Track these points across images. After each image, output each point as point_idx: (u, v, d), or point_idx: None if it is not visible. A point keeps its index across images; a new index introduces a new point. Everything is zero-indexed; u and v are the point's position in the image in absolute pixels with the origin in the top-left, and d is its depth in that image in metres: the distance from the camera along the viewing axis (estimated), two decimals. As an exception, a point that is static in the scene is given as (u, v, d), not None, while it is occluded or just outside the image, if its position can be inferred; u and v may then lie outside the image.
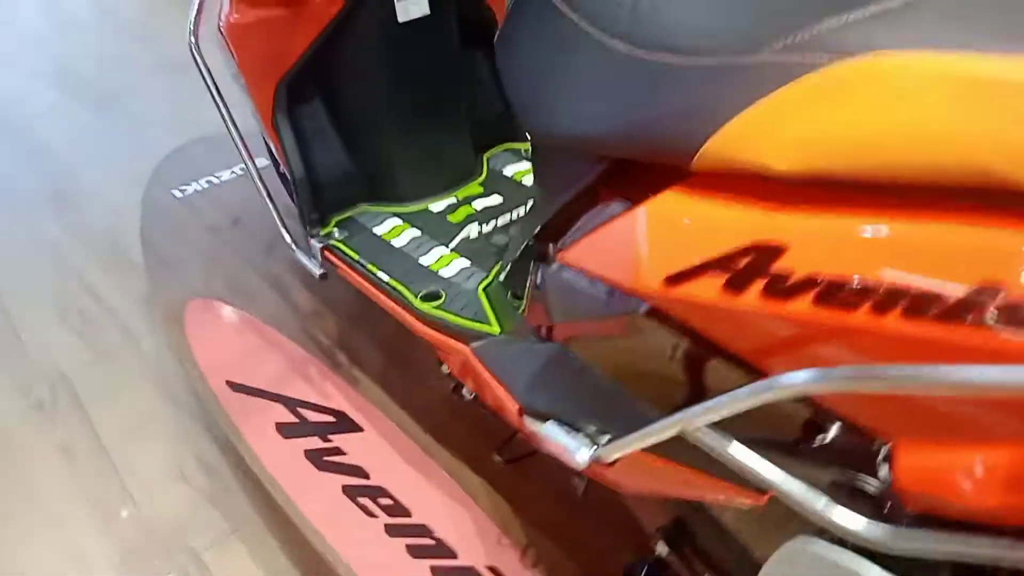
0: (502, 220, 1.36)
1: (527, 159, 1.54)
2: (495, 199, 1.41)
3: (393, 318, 1.28)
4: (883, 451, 0.64)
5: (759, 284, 0.63)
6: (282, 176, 1.80)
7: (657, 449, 0.78)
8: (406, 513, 1.33)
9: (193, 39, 1.31)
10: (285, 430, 1.47)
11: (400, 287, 1.22)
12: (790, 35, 0.63)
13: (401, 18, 1.30)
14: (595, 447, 0.85)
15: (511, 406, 0.98)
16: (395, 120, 1.38)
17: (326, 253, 1.34)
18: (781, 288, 0.62)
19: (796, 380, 0.59)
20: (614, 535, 1.30)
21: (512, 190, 1.44)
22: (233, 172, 2.12)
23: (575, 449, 0.87)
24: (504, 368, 1.02)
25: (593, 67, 0.81)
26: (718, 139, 0.65)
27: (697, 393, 0.77)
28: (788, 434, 0.72)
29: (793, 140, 0.60)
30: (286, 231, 1.40)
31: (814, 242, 0.61)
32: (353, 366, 1.61)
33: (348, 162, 1.39)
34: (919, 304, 0.55)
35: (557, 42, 0.86)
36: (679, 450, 0.77)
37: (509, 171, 1.50)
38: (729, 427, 0.69)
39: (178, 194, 2.04)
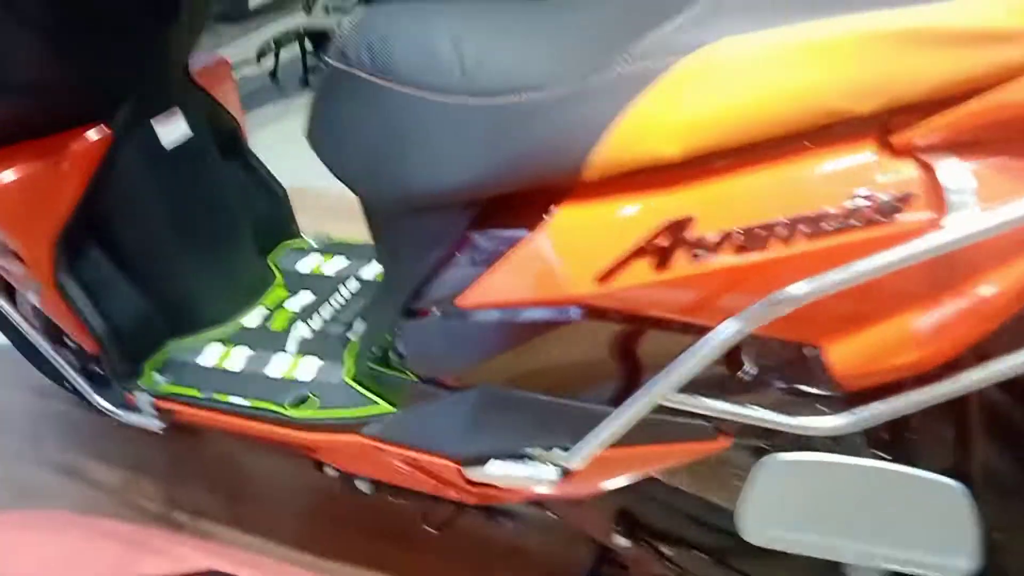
0: (325, 312, 1.35)
1: (311, 251, 1.54)
2: (307, 296, 1.41)
3: (255, 441, 1.23)
4: (813, 358, 0.77)
5: (683, 254, 0.74)
6: (27, 349, 1.63)
7: (618, 442, 0.86)
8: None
9: None
10: (155, 611, 1.32)
11: (265, 405, 1.17)
12: (625, 52, 0.75)
13: (166, 144, 1.26)
14: (559, 462, 0.90)
15: (445, 465, 1.00)
16: (181, 247, 1.33)
17: (159, 403, 1.24)
18: (702, 251, 0.73)
19: (754, 312, 0.70)
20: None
21: (318, 283, 1.44)
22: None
23: (538, 473, 0.91)
24: (419, 435, 1.03)
25: (440, 125, 0.87)
26: (603, 148, 0.75)
27: (637, 374, 0.86)
28: (727, 384, 0.83)
29: (674, 128, 0.72)
30: (97, 397, 1.28)
31: (714, 206, 0.73)
32: (198, 519, 1.48)
33: (144, 303, 1.30)
34: (813, 225, 0.69)
35: (387, 114, 0.92)
36: (632, 434, 0.85)
37: (303, 267, 1.49)
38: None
39: None
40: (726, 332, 0.73)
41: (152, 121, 1.24)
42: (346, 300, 1.38)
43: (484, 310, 0.91)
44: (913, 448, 0.88)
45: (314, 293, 1.41)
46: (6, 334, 1.65)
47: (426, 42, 0.89)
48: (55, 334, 1.46)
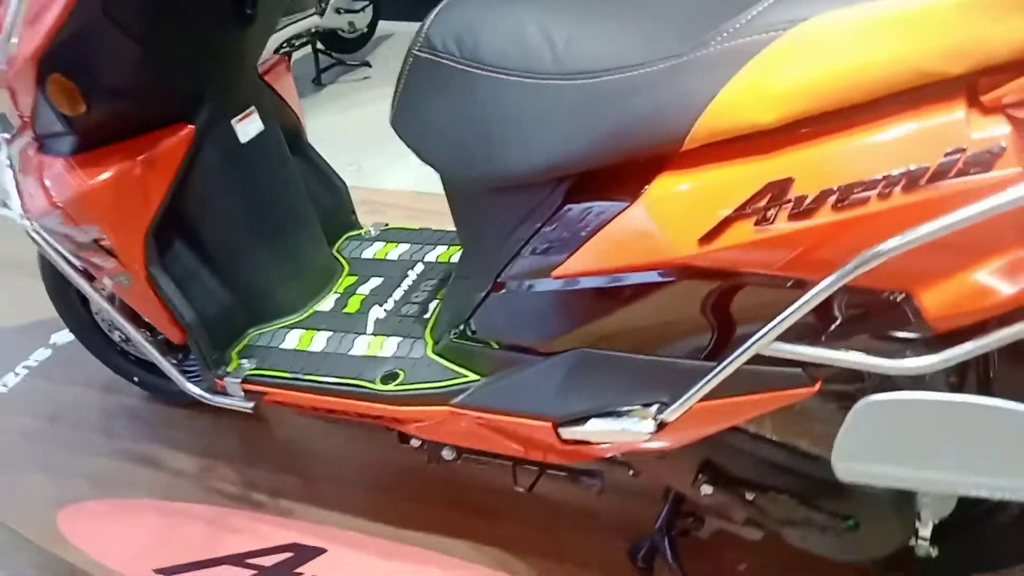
0: (397, 295, 1.42)
1: (374, 239, 1.60)
2: (376, 281, 1.47)
3: (341, 419, 1.29)
4: (905, 303, 0.83)
5: (784, 212, 0.80)
6: (95, 345, 1.69)
7: (711, 394, 0.93)
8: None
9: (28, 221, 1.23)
10: (248, 585, 1.38)
11: (354, 381, 1.23)
12: (721, 31, 0.82)
13: (242, 139, 1.32)
14: (656, 414, 0.96)
15: (540, 426, 1.06)
16: (259, 239, 1.39)
17: (246, 386, 1.30)
18: (802, 210, 0.79)
19: (854, 266, 0.76)
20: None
21: (385, 268, 1.50)
22: (26, 368, 1.91)
23: (635, 426, 0.98)
24: (512, 399, 1.09)
25: (534, 106, 0.94)
26: (704, 118, 0.82)
27: (731, 329, 0.92)
28: (821, 332, 0.89)
29: (773, 97, 0.79)
30: (188, 384, 1.34)
31: (812, 167, 0.79)
32: (276, 498, 1.54)
33: (226, 294, 1.36)
34: (909, 180, 0.75)
35: (477, 99, 0.98)
36: (727, 385, 0.92)
37: (368, 255, 1.55)
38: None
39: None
40: (828, 285, 0.79)
41: (232, 120, 1.30)
42: (415, 282, 1.45)
43: (583, 278, 0.98)
44: (989, 384, 0.95)
45: (383, 278, 1.47)
46: (75, 332, 1.71)
47: (514, 28, 0.96)
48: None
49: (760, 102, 0.79)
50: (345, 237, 1.61)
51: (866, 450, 0.89)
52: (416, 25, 1.04)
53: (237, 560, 1.43)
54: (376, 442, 1.63)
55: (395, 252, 1.55)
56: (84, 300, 1.66)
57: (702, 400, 0.94)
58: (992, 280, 0.78)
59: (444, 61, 1.01)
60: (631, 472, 1.23)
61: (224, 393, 1.33)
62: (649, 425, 0.98)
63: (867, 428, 0.88)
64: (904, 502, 1.03)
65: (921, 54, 0.74)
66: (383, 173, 2.74)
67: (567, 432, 1.05)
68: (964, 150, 0.74)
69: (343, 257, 1.56)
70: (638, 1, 0.97)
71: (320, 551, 1.43)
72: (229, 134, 1.30)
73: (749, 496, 1.09)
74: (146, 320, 1.37)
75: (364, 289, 1.46)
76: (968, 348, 0.81)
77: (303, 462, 1.63)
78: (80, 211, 1.21)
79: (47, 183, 1.24)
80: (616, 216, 0.91)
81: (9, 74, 1.14)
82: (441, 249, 1.53)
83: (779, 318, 0.83)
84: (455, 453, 1.30)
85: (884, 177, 0.77)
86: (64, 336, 2.00)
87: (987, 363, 0.95)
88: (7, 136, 1.32)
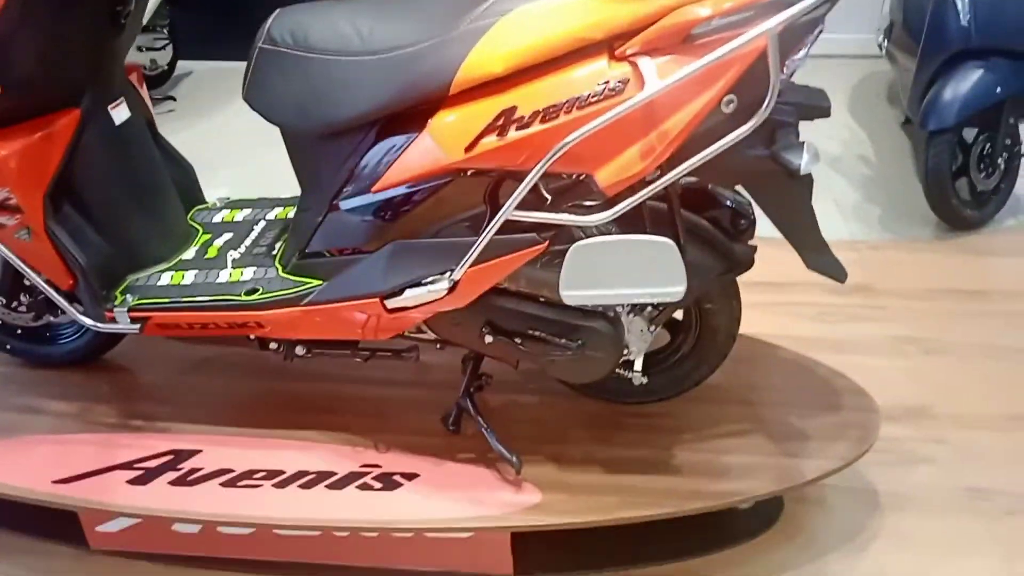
0: (247, 242, 1.82)
1: (220, 209, 1.99)
2: (228, 235, 1.86)
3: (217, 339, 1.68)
4: (588, 181, 1.37)
5: (513, 127, 1.32)
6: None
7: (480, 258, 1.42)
8: (280, 472, 1.72)
9: None
10: (139, 481, 1.71)
11: (224, 297, 1.63)
12: (468, 16, 1.34)
13: (116, 122, 1.69)
14: (449, 277, 1.45)
15: (371, 303, 1.51)
16: (132, 203, 1.75)
17: (132, 314, 1.66)
18: (523, 124, 1.32)
19: (555, 153, 1.29)
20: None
21: (234, 227, 1.89)
22: None
23: (436, 288, 1.46)
24: (349, 288, 1.54)
25: (351, 74, 1.41)
26: (462, 72, 1.33)
27: (493, 210, 1.42)
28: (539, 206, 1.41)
29: (500, 57, 1.31)
30: (81, 316, 1.67)
31: (527, 98, 1.32)
32: (153, 422, 1.87)
33: (106, 247, 1.71)
34: (580, 102, 1.30)
35: (309, 74, 1.45)
36: (488, 251, 1.42)
37: (217, 219, 1.94)
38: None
39: None
40: (540, 167, 1.31)
41: (108, 106, 1.67)
42: (260, 233, 1.85)
43: (393, 189, 1.45)
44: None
45: (233, 233, 1.87)
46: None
47: (332, 24, 1.44)
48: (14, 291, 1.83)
49: (492, 60, 1.32)
50: (196, 209, 1.99)
51: (578, 280, 1.42)
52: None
53: (126, 466, 1.75)
54: (232, 374, 2.01)
55: (240, 215, 1.94)
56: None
57: (474, 264, 1.43)
58: (633, 159, 1.33)
59: (283, 50, 1.47)
60: (438, 345, 1.71)
61: (113, 322, 1.67)
62: (444, 285, 1.46)
63: (577, 265, 1.41)
64: (612, 331, 1.56)
65: (578, 27, 1.29)
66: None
67: (391, 303, 1.51)
68: (608, 82, 1.30)
69: (197, 223, 1.93)
70: (413, 3, 1.47)
71: (196, 452, 1.79)
72: (106, 117, 1.67)
73: (517, 340, 1.60)
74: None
75: (219, 242, 1.85)
76: (626, 202, 1.36)
77: (172, 395, 1.97)
78: (-9, 178, 1.54)
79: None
80: (412, 143, 1.40)
81: None
82: (278, 210, 1.94)
83: (516, 193, 1.34)
84: (306, 349, 1.72)
85: (567, 100, 1.31)
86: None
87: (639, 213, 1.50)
88: None
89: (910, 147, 3.65)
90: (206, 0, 4.70)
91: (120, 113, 1.71)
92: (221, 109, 4.25)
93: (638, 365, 1.67)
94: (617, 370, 1.69)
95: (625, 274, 1.41)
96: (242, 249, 1.80)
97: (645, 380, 1.70)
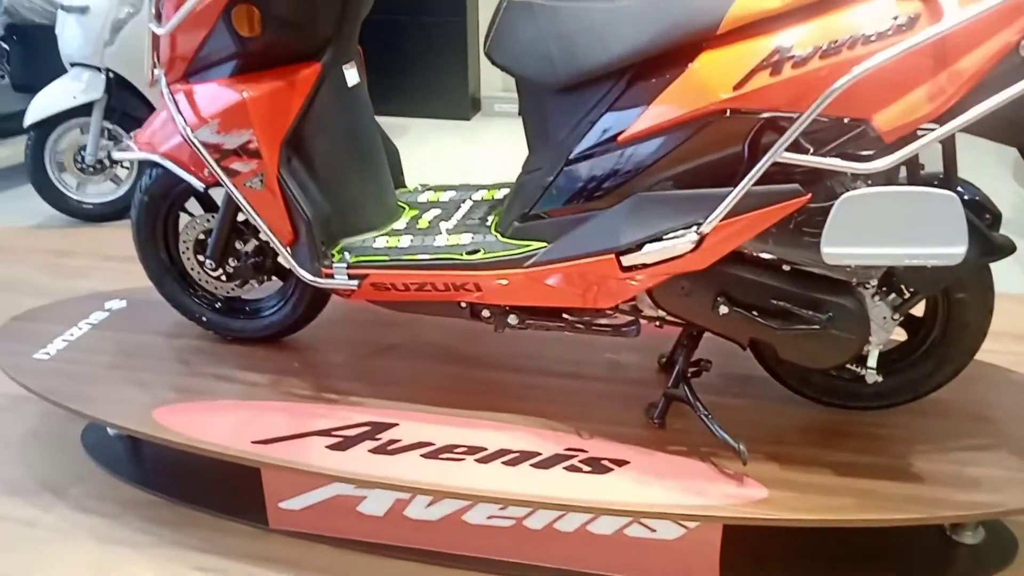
0: (458, 216, 1.79)
1: (420, 192, 1.98)
2: (436, 211, 1.84)
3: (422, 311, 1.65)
4: (864, 128, 1.29)
5: (788, 64, 1.26)
6: (170, 290, 1.98)
7: (732, 211, 1.34)
8: (482, 449, 1.64)
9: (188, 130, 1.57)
10: (338, 448, 1.66)
11: (445, 256, 1.59)
12: None
13: (350, 83, 1.71)
14: (695, 228, 1.37)
15: (605, 260, 1.44)
16: (354, 165, 1.76)
17: (351, 271, 1.64)
18: (800, 60, 1.26)
19: (834, 91, 1.21)
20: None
21: (440, 205, 1.87)
22: (88, 324, 2.13)
23: (680, 241, 1.38)
24: (581, 245, 1.48)
25: (610, 19, 1.38)
26: (734, 9, 1.28)
27: (752, 159, 1.34)
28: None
29: (779, -7, 1.26)
30: (301, 269, 1.66)
31: (805, 34, 1.26)
32: (347, 396, 1.83)
33: (326, 205, 1.71)
34: (868, 38, 1.22)
35: (562, 23, 1.43)
36: (742, 204, 1.34)
37: (423, 199, 1.93)
38: None
39: (44, 356, 2.00)
40: (815, 107, 1.24)
41: (343, 67, 1.70)
42: (469, 209, 1.83)
43: (642, 139, 1.40)
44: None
45: (441, 209, 1.85)
46: (153, 276, 1.98)
47: None
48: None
49: (767, -3, 1.26)
50: (398, 190, 1.99)
51: (844, 236, 1.32)
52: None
53: (324, 432, 1.70)
54: (420, 360, 1.96)
55: (445, 196, 1.93)
56: (167, 244, 1.96)
57: (727, 217, 1.35)
58: (919, 102, 1.24)
59: (534, 1, 1.45)
60: (658, 324, 1.62)
61: (331, 278, 1.65)
62: (691, 239, 1.38)
63: (845, 218, 1.31)
64: (860, 309, 1.44)
65: None
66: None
67: (627, 259, 1.44)
68: (897, 17, 1.23)
69: (401, 202, 1.93)
70: None
71: (393, 425, 1.73)
72: (341, 76, 1.69)
73: (755, 313, 1.49)
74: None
75: (428, 216, 1.83)
76: (907, 149, 1.26)
77: (361, 374, 1.93)
78: (236, 118, 1.57)
79: (200, 103, 1.59)
80: (669, 86, 1.35)
81: (192, 16, 1.52)
82: (483, 192, 1.92)
83: (789, 132, 1.27)
84: (519, 319, 1.65)
85: (851, 36, 1.24)
86: (118, 304, 2.25)
87: (916, 163, 1.39)
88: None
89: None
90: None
91: (352, 75, 1.73)
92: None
93: (873, 360, 1.54)
94: (849, 366, 1.56)
95: (899, 231, 1.30)
96: (454, 221, 1.77)
97: (880, 379, 1.56)
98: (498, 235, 1.64)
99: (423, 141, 4.42)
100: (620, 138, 1.41)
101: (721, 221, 1.36)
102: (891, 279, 1.47)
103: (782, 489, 1.51)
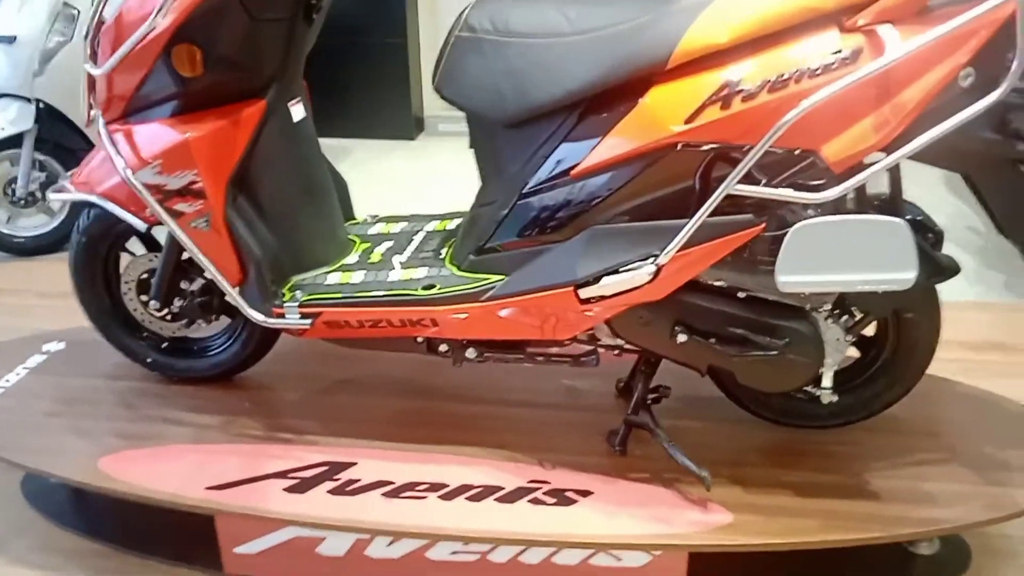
0: (410, 249, 1.77)
1: (370, 224, 1.94)
2: (388, 243, 1.81)
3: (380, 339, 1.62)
4: (812, 160, 1.30)
5: (737, 98, 1.27)
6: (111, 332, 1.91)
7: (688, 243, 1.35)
8: (444, 485, 1.61)
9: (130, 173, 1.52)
10: (296, 490, 1.62)
11: (399, 292, 1.56)
12: None
13: (295, 119, 1.68)
14: (652, 260, 1.37)
15: (563, 293, 1.44)
16: (302, 201, 1.72)
17: (302, 309, 1.60)
18: (749, 94, 1.27)
19: (784, 124, 1.22)
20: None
21: (392, 237, 1.85)
22: (25, 368, 2.05)
23: (637, 271, 1.38)
24: (538, 279, 1.47)
25: (558, 55, 1.38)
26: (683, 44, 1.30)
27: (703, 190, 1.35)
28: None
29: (725, 27, 1.27)
30: (250, 310, 1.62)
31: (752, 69, 1.27)
32: (302, 435, 1.78)
33: (275, 243, 1.67)
34: (812, 72, 1.24)
35: (510, 59, 1.42)
36: (697, 235, 1.35)
37: (374, 231, 1.90)
38: None
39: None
40: (767, 140, 1.25)
41: (289, 103, 1.67)
42: (422, 241, 1.80)
43: (595, 173, 1.40)
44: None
45: (393, 241, 1.82)
46: (93, 316, 1.91)
47: (535, 9, 1.42)
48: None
49: (716, 31, 1.28)
50: (348, 223, 1.95)
51: (798, 264, 1.33)
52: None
53: (281, 475, 1.66)
54: (375, 394, 1.93)
55: (396, 227, 1.90)
56: (108, 285, 1.89)
57: (683, 248, 1.36)
58: (865, 132, 1.27)
59: (482, 36, 1.45)
60: (616, 352, 1.61)
61: (282, 318, 1.62)
62: (648, 271, 1.38)
63: (797, 247, 1.32)
64: (815, 333, 1.46)
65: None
66: None
67: (585, 292, 1.43)
68: (840, 51, 1.25)
69: (352, 235, 1.90)
70: None
71: (351, 464, 1.69)
72: (286, 113, 1.66)
73: (712, 341, 1.50)
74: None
75: (380, 249, 1.80)
76: (855, 179, 1.28)
77: (315, 411, 1.88)
78: (179, 159, 1.52)
79: (141, 144, 1.55)
80: (620, 121, 1.35)
81: (131, 56, 1.47)
82: (435, 223, 1.89)
83: (741, 164, 1.28)
84: (477, 352, 1.63)
85: (797, 70, 1.26)
86: (56, 345, 2.16)
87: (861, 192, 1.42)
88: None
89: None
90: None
91: (298, 111, 1.70)
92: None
93: (828, 380, 1.56)
94: (805, 387, 1.58)
95: (851, 258, 1.32)
96: (407, 254, 1.75)
97: (835, 399, 1.58)
98: (453, 268, 1.63)
99: (368, 163, 4.37)
100: (573, 172, 1.40)
101: (677, 252, 1.36)
102: (843, 301, 1.50)
103: (746, 513, 1.52)
